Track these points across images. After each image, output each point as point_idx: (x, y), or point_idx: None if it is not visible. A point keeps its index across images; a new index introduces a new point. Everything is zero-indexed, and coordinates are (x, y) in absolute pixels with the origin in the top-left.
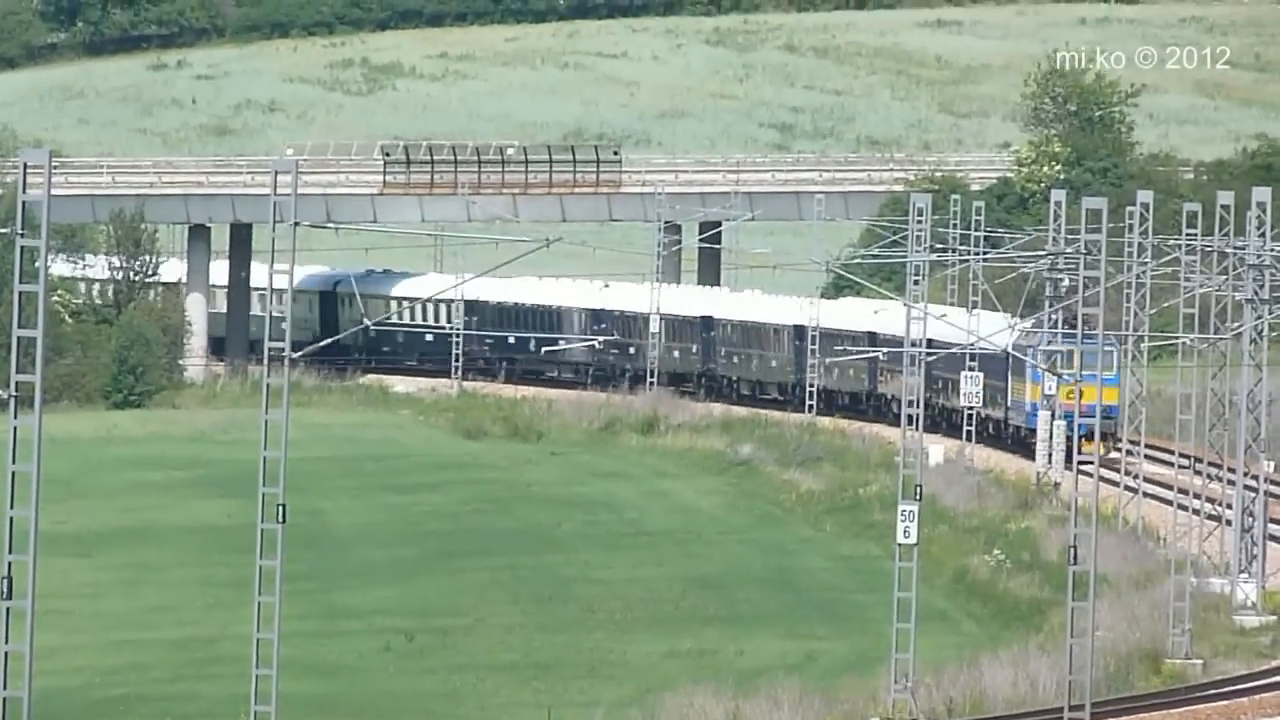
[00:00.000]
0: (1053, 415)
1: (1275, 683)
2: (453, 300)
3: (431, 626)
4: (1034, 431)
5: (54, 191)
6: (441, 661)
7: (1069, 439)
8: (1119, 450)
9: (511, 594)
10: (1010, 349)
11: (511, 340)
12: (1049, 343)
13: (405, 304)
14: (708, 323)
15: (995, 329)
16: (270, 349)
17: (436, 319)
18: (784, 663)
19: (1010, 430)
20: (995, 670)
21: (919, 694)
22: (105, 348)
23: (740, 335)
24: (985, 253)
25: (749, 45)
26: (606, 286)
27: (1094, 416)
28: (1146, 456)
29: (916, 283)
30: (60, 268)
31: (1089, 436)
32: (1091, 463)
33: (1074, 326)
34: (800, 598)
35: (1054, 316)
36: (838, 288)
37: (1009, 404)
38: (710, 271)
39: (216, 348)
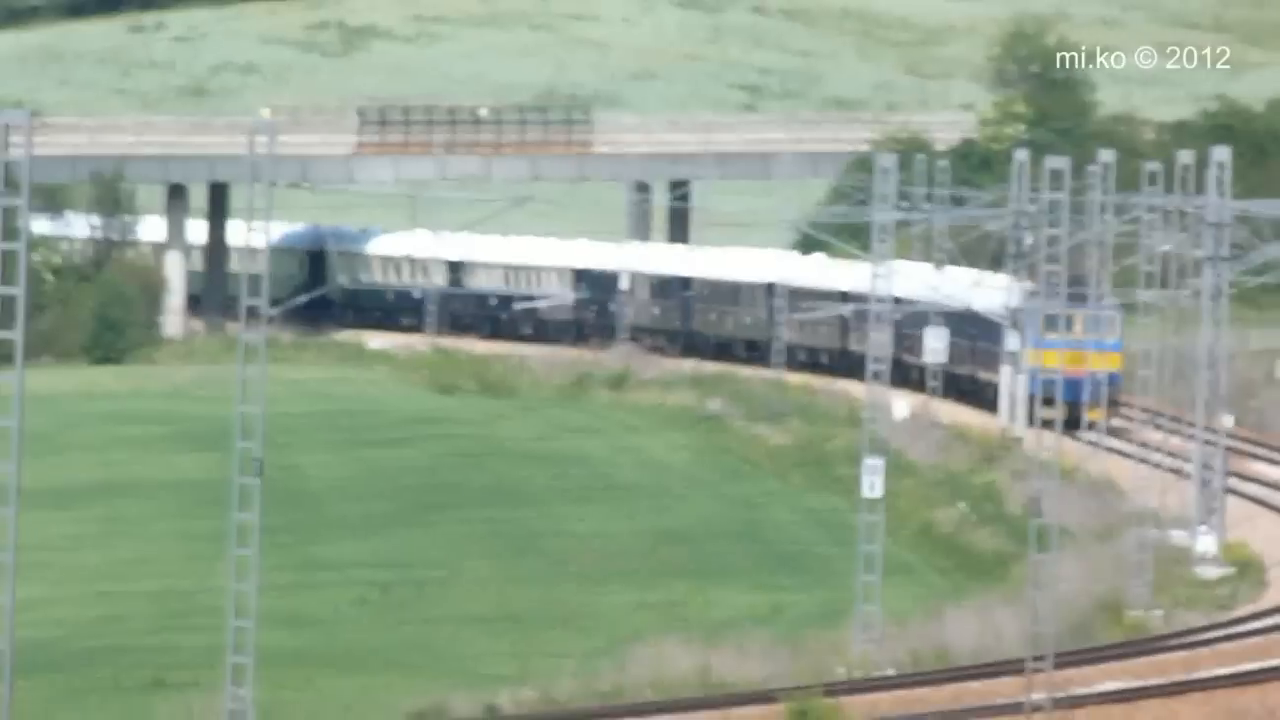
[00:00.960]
0: (1015, 372)
1: (1235, 633)
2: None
3: (406, 579)
4: (1034, 396)
5: (34, 152)
6: (416, 613)
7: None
8: (1122, 417)
9: (485, 547)
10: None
11: (612, 307)
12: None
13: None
14: (771, 288)
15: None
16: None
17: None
18: (752, 614)
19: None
20: (959, 622)
21: (885, 645)
22: (85, 305)
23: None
24: (950, 211)
25: (718, 7)
26: (693, 250)
27: (1100, 383)
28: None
29: (883, 241)
30: (41, 226)
31: (1092, 402)
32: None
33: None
34: (768, 550)
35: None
36: (805, 246)
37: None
38: (680, 230)
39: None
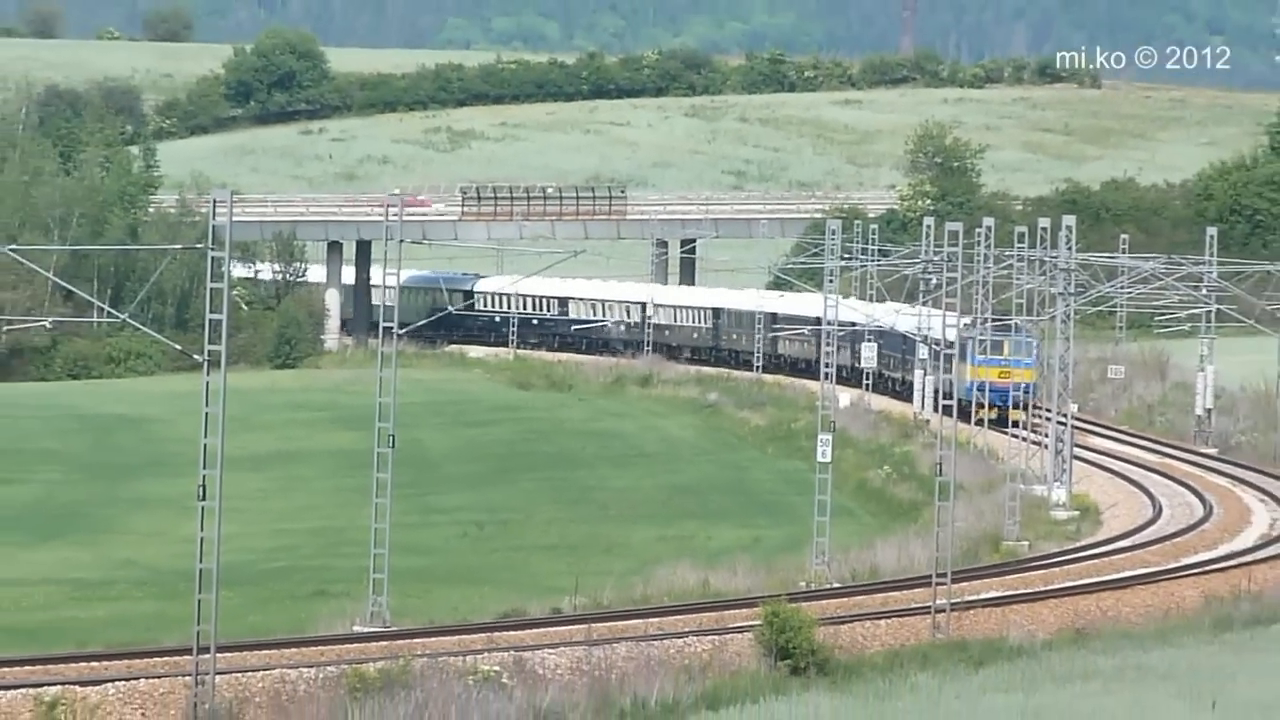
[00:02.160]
0: (924, 373)
1: (1079, 557)
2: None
3: (495, 520)
4: (971, 402)
5: (234, 219)
6: (502, 544)
7: (943, 396)
8: (1038, 417)
9: (550, 497)
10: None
11: (702, 333)
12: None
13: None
14: (817, 320)
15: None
16: (383, 325)
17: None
18: (739, 545)
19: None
20: (885, 550)
21: (832, 566)
22: (269, 327)
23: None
24: (878, 261)
25: (715, 116)
26: (782, 296)
27: (1019, 391)
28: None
29: (831, 281)
30: (238, 271)
31: (1014, 406)
32: (1019, 424)
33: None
34: (750, 500)
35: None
36: (777, 285)
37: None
38: (688, 274)
39: (347, 326)
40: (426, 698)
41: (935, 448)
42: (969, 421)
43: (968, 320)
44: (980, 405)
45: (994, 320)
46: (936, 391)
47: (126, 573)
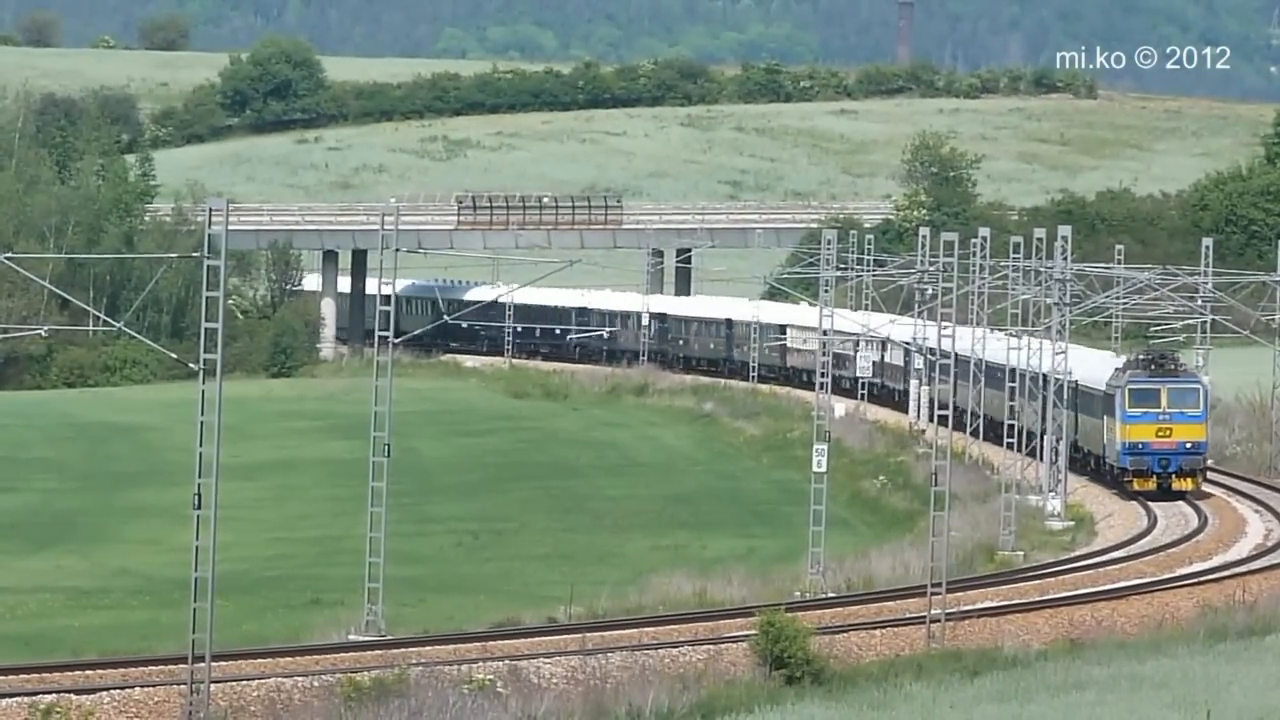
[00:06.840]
0: (919, 383)
1: (1074, 567)
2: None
3: (490, 529)
4: (1125, 470)
5: (230, 227)
6: (497, 553)
7: (932, 409)
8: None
9: (545, 507)
10: (1105, 389)
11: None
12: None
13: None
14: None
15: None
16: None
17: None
18: (734, 554)
19: (1107, 467)
20: (880, 559)
21: (827, 575)
22: (265, 335)
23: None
24: (874, 271)
25: (711, 126)
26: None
27: (1184, 453)
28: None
29: (826, 291)
30: (234, 280)
31: (1179, 473)
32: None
33: (1161, 366)
34: (745, 509)
35: (1140, 355)
36: (771, 295)
37: (1104, 441)
38: (684, 284)
39: (342, 335)
40: (421, 706)
41: (930, 458)
42: (1124, 494)
43: (1119, 363)
44: (1139, 474)
45: (1148, 357)
46: (1124, 469)
47: (121, 581)
